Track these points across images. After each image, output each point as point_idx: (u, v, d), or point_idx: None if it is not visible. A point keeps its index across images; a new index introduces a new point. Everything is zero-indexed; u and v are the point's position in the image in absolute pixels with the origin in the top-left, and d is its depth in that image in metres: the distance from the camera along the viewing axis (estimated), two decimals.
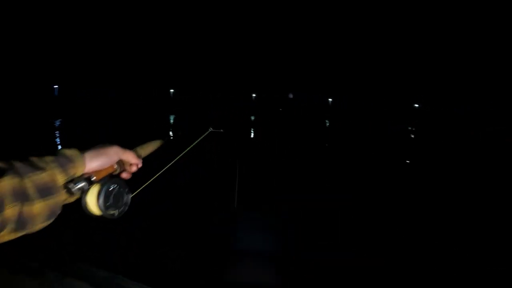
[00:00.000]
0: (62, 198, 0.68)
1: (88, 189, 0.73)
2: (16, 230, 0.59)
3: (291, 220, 5.48)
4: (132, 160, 0.84)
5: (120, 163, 0.81)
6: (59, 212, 0.67)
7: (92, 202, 0.74)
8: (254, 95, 38.90)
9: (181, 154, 1.03)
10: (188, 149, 1.04)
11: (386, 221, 5.68)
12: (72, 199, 0.72)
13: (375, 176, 9.51)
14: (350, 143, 16.77)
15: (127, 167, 0.84)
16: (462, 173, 10.46)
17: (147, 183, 0.90)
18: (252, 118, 29.36)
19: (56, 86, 37.24)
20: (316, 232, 5.00)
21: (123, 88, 38.82)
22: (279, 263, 4.01)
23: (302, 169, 9.98)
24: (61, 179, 0.66)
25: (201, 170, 8.13)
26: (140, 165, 0.87)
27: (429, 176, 9.84)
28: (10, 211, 0.58)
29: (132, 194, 0.82)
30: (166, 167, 0.98)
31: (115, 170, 0.80)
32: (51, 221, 0.66)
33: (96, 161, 0.75)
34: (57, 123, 18.76)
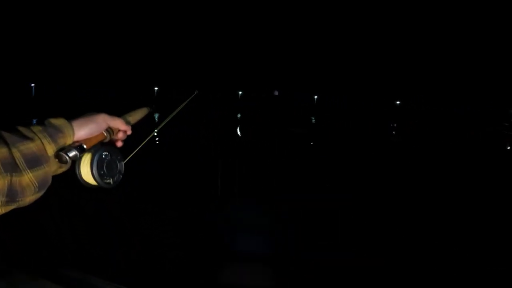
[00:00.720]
0: (52, 168, 0.67)
1: (80, 158, 0.72)
2: (6, 203, 0.58)
3: (286, 219, 5.47)
4: (121, 126, 0.83)
5: (110, 130, 0.80)
6: (49, 183, 0.66)
7: (86, 171, 0.73)
8: (240, 92, 38.81)
9: (169, 118, 1.02)
10: (175, 112, 1.03)
11: (385, 221, 5.67)
12: (61, 170, 0.71)
13: (363, 174, 9.52)
14: (338, 141, 16.77)
15: (117, 134, 0.83)
16: (459, 172, 10.43)
17: (137, 149, 0.88)
18: (239, 115, 29.28)
19: (33, 85, 36.97)
20: (316, 232, 4.99)
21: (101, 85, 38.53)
22: (279, 263, 3.99)
23: (289, 167, 9.98)
24: (50, 149, 0.65)
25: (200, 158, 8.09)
26: (129, 132, 0.86)
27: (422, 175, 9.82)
28: (0, 183, 0.56)
29: (125, 160, 0.81)
30: (155, 131, 0.98)
31: (105, 138, 0.79)
32: (41, 193, 0.64)
33: (84, 129, 0.73)
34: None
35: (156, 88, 41.33)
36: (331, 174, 9.49)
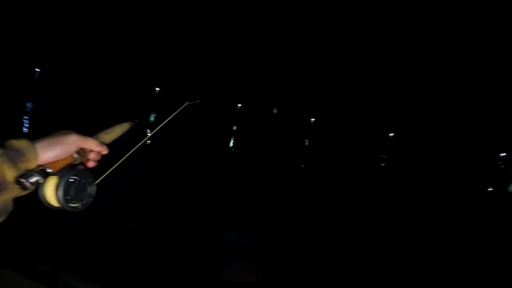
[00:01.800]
0: (13, 194, 0.63)
1: (44, 182, 0.68)
2: None
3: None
4: (95, 147, 0.76)
5: (81, 152, 0.74)
6: (10, 209, 0.62)
7: (50, 195, 0.69)
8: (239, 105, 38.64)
9: (156, 130, 0.97)
10: (162, 124, 0.97)
11: (384, 221, 5.66)
12: (26, 192, 0.67)
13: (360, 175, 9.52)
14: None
15: (90, 156, 0.77)
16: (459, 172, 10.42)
17: (111, 169, 0.82)
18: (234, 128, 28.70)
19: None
20: (316, 232, 4.99)
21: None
22: (279, 263, 4.00)
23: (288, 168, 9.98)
24: (10, 174, 0.61)
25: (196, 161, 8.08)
26: (104, 152, 0.79)
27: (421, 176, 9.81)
28: None
29: (96, 181, 0.77)
30: (136, 147, 0.90)
31: (75, 160, 0.74)
32: (2, 219, 0.61)
33: (50, 152, 0.68)
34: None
35: (157, 89, 41.27)
36: (330, 174, 9.49)
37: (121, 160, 0.85)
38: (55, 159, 0.69)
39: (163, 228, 4.80)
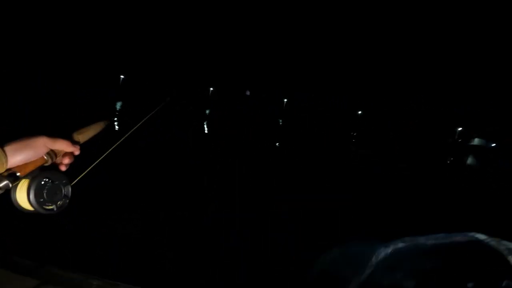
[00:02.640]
0: None
1: (15, 186, 0.67)
2: None
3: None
4: (66, 148, 0.75)
5: (51, 154, 0.73)
6: None
7: (22, 199, 0.68)
8: (211, 89, 38.47)
9: (137, 126, 0.95)
10: (144, 119, 0.96)
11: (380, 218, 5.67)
12: None
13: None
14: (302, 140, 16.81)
15: (62, 158, 0.76)
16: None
17: (88, 169, 0.80)
18: (207, 111, 28.69)
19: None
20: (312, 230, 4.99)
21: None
22: (279, 263, 3.99)
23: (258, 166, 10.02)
24: None
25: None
26: (77, 152, 0.78)
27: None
28: None
29: (71, 184, 0.75)
30: (114, 146, 0.88)
31: (46, 162, 0.72)
32: None
33: (19, 155, 0.67)
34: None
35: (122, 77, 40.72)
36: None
37: (97, 161, 0.83)
38: (24, 162, 0.68)
39: (163, 228, 4.81)
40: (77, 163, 0.80)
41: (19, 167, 0.67)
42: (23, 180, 0.68)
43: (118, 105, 24.62)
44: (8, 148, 0.66)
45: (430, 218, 6.03)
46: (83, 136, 0.82)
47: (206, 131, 18.36)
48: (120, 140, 0.88)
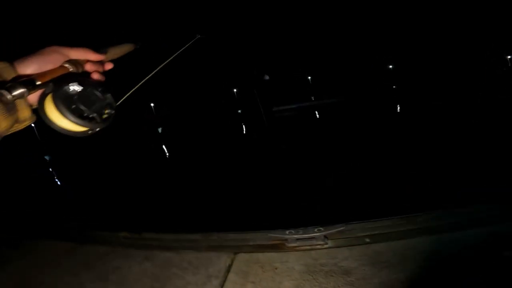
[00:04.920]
0: (1, 125, 0.51)
1: (41, 100, 0.55)
2: None
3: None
4: (89, 56, 0.66)
5: (75, 62, 0.63)
6: None
7: (53, 111, 0.55)
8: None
9: (167, 61, 0.91)
10: (174, 55, 0.93)
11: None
12: (19, 126, 0.56)
13: None
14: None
15: (90, 66, 0.66)
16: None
17: (132, 90, 0.75)
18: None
19: None
20: None
21: None
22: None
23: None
24: None
25: None
26: (108, 65, 0.70)
27: None
28: None
29: (118, 103, 0.65)
30: (151, 75, 0.84)
31: (71, 71, 0.62)
32: None
33: (29, 66, 0.57)
34: None
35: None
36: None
37: (141, 83, 0.80)
38: (39, 71, 0.58)
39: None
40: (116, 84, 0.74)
41: (36, 75, 0.57)
42: (48, 94, 0.56)
43: None
44: (16, 62, 0.57)
45: None
46: (112, 52, 0.73)
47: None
48: (162, 65, 0.87)
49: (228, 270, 1.84)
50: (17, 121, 0.54)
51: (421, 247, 1.54)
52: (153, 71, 0.86)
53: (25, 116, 0.55)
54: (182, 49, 0.97)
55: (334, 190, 4.13)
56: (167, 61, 0.92)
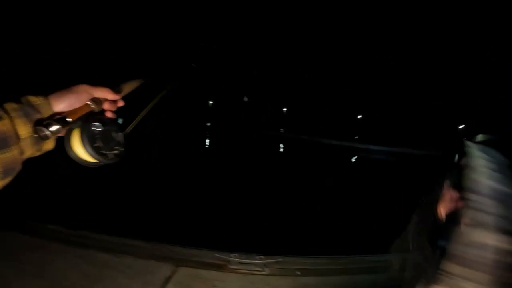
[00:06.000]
0: (27, 152, 0.59)
1: (69, 134, 0.66)
2: None
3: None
4: (108, 95, 0.76)
5: (96, 100, 0.72)
6: (17, 170, 0.59)
7: (77, 146, 0.66)
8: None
9: (164, 91, 1.04)
10: (172, 86, 1.07)
11: None
12: (40, 152, 0.63)
13: None
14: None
15: (105, 105, 0.76)
16: None
17: (137, 119, 0.88)
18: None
19: None
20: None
21: None
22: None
23: None
24: (24, 130, 0.58)
25: None
26: (120, 103, 0.80)
27: None
28: None
29: (125, 131, 0.77)
30: (152, 103, 0.98)
31: (93, 109, 0.72)
32: (7, 180, 0.58)
33: (62, 102, 0.67)
34: None
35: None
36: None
37: (145, 110, 0.93)
38: (69, 109, 0.67)
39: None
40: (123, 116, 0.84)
41: (67, 113, 0.66)
42: (75, 129, 0.67)
43: None
44: (51, 96, 0.66)
45: None
46: (122, 89, 0.84)
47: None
48: (159, 96, 1.00)
49: (167, 281, 1.92)
50: (39, 149, 0.63)
51: (343, 284, 1.81)
52: (150, 103, 1.01)
53: (48, 147, 0.65)
54: (180, 79, 1.14)
55: (283, 222, 4.33)
56: (163, 93, 1.05)
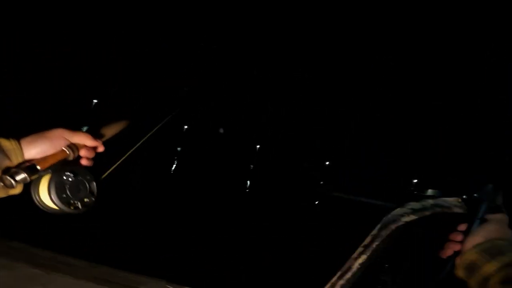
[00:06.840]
0: None
1: (37, 180, 0.61)
2: None
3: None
4: (87, 142, 0.68)
5: (73, 147, 0.65)
6: None
7: (44, 195, 0.61)
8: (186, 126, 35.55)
9: (149, 134, 0.90)
10: (155, 128, 0.92)
11: None
12: (12, 193, 0.60)
13: None
14: None
15: (84, 152, 0.69)
16: None
17: (113, 167, 0.78)
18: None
19: None
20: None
21: None
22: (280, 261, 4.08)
23: None
24: None
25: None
26: (101, 149, 0.72)
27: None
28: None
29: (97, 180, 0.70)
30: (135, 147, 0.86)
31: (68, 156, 0.65)
32: None
33: (35, 148, 0.61)
34: None
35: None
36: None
37: (124, 157, 0.82)
38: (41, 155, 0.62)
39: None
40: (101, 161, 0.76)
41: (38, 160, 0.61)
42: (44, 175, 0.62)
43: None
44: (23, 141, 0.61)
45: None
46: (105, 132, 0.77)
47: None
48: (143, 139, 0.86)
49: None
50: (5, 193, 0.59)
51: None
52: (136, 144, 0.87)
53: (15, 191, 0.60)
54: (164, 121, 0.96)
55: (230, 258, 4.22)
56: (149, 134, 0.91)
